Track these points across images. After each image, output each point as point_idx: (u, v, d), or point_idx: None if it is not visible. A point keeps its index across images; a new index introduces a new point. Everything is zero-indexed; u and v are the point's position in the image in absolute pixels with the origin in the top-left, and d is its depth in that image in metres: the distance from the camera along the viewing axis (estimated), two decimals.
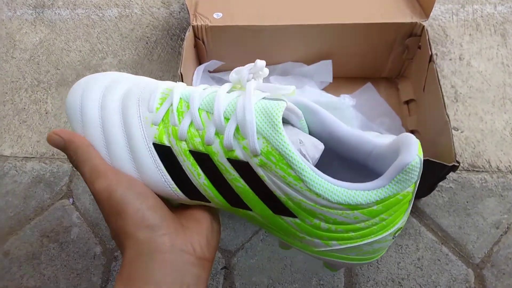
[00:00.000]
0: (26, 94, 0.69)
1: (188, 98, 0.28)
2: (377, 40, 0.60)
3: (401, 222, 0.27)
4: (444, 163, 0.45)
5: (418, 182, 0.27)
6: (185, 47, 0.55)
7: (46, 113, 0.67)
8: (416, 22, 0.57)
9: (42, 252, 0.56)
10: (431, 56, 0.54)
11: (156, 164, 0.28)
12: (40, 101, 0.68)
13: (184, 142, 0.28)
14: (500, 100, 0.64)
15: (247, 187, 0.27)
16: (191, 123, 0.28)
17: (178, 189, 0.29)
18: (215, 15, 0.59)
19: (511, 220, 0.54)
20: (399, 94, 0.65)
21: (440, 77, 0.66)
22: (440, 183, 0.56)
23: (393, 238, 0.28)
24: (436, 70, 0.53)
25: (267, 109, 0.25)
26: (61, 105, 0.68)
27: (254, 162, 0.26)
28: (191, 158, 0.28)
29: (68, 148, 0.29)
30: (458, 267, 0.52)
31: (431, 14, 0.57)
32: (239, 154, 0.26)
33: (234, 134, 0.26)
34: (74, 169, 0.62)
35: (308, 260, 0.53)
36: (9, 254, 0.56)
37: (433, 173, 0.48)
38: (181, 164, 0.28)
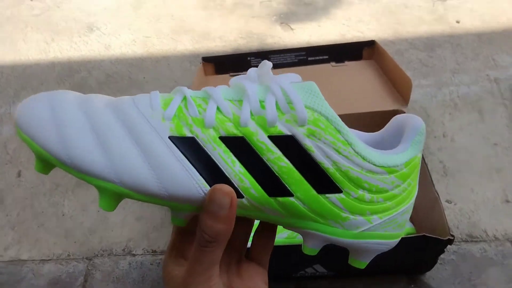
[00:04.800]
0: (45, 198, 0.74)
1: (201, 94, 0.28)
2: (364, 127, 0.66)
3: (415, 193, 0.30)
4: (440, 238, 0.48)
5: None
6: None
7: (63, 215, 0.71)
8: (397, 109, 0.63)
9: None
10: None
11: (177, 158, 0.26)
12: (57, 204, 0.73)
13: (212, 129, 0.26)
14: (487, 171, 0.69)
15: (290, 165, 0.27)
16: (218, 109, 0.27)
17: (206, 184, 0.26)
18: None
19: None
20: None
21: (427, 154, 0.72)
22: (442, 256, 0.58)
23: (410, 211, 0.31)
24: None
25: (303, 86, 0.27)
26: (77, 206, 0.72)
27: (301, 133, 0.26)
28: (222, 145, 0.26)
29: (212, 241, 0.26)
30: None
31: (412, 97, 0.64)
32: (282, 129, 0.26)
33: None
34: (89, 268, 0.64)
35: None
36: None
37: (432, 247, 0.51)
38: (210, 153, 0.26)
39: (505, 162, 0.69)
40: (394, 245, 0.30)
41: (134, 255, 0.65)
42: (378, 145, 0.31)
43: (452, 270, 0.58)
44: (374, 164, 0.27)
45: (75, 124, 0.26)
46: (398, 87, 0.69)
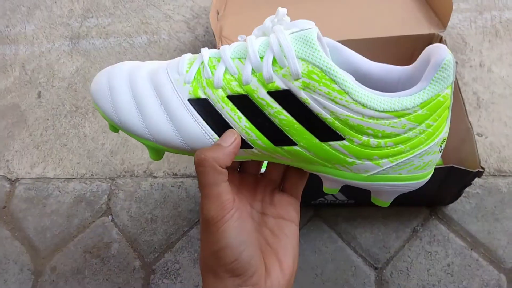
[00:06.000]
0: (66, 119, 0.74)
1: (218, 54, 0.30)
2: (395, 53, 0.61)
3: (444, 131, 0.28)
4: (469, 169, 0.46)
5: (453, 86, 0.27)
6: None
7: (85, 136, 0.72)
8: (434, 33, 0.58)
9: (86, 267, 0.60)
10: None
11: (194, 118, 0.29)
12: (78, 126, 0.73)
13: (220, 90, 0.29)
14: None
15: (290, 117, 0.28)
16: (226, 70, 0.29)
17: (218, 138, 0.30)
18: (239, 38, 0.62)
19: None
20: None
21: (461, 85, 0.68)
22: (467, 189, 0.57)
23: (440, 151, 0.29)
24: (457, 81, 0.54)
25: (301, 36, 0.27)
26: (98, 128, 0.73)
27: (296, 86, 0.27)
28: (230, 103, 0.28)
29: (198, 165, 0.29)
30: (489, 272, 0.52)
31: (449, 23, 0.58)
32: (279, 84, 0.27)
33: (272, 66, 0.27)
34: (112, 187, 0.66)
35: (338, 269, 0.54)
36: (56, 269, 0.60)
37: (459, 179, 0.49)
38: (220, 112, 0.29)
39: None
40: (418, 186, 0.30)
41: (155, 177, 0.66)
42: (411, 80, 0.29)
43: (476, 203, 0.57)
44: (376, 110, 0.26)
45: (121, 93, 0.31)
46: (436, 8, 0.63)
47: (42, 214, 0.65)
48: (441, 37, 0.58)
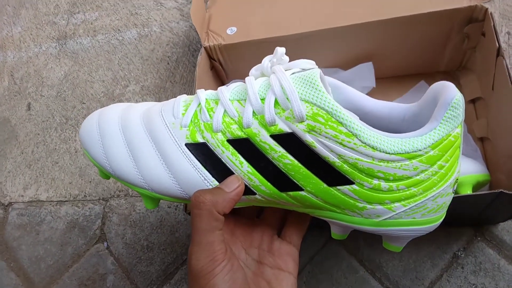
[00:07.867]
0: (56, 133, 0.68)
1: (215, 96, 0.29)
2: (427, 32, 0.48)
3: (456, 172, 0.27)
4: None
5: (462, 124, 0.26)
6: (198, 75, 0.48)
7: (76, 152, 0.65)
8: (476, 5, 0.45)
9: None
10: (498, 49, 0.42)
11: (192, 164, 0.28)
12: (69, 140, 0.67)
13: (220, 133, 0.27)
14: None
15: (296, 161, 0.26)
16: (225, 113, 0.27)
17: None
18: (228, 31, 0.51)
19: None
20: (462, 91, 0.53)
21: None
22: None
23: (452, 192, 0.28)
24: (507, 67, 0.41)
25: (303, 77, 0.26)
26: None
27: (300, 129, 0.25)
28: (230, 148, 0.27)
29: (194, 207, 0.27)
30: None
31: None
32: (282, 127, 0.26)
33: (274, 108, 0.26)
34: (106, 210, 0.59)
35: None
36: None
37: (510, 205, 0.38)
38: (220, 156, 0.28)
39: None
40: (432, 230, 0.28)
41: None
42: (417, 118, 0.28)
43: None
44: (386, 152, 0.25)
45: (113, 139, 0.29)
46: None
47: (35, 242, 0.60)
48: (486, 9, 0.44)
